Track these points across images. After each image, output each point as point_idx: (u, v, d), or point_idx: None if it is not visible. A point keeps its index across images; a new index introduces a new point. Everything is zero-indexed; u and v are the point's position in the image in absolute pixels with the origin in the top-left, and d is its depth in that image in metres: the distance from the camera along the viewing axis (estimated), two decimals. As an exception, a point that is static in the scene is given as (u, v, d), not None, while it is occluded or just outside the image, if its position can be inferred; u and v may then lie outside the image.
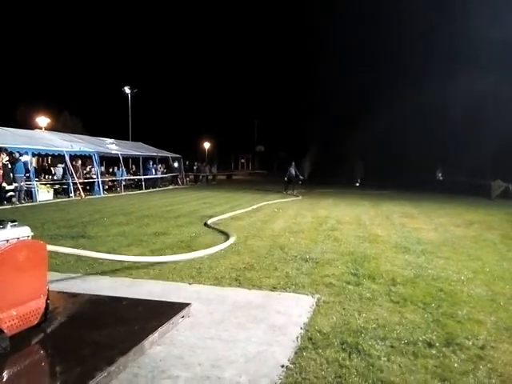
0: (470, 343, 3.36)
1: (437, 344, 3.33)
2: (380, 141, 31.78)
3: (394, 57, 30.79)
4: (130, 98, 36.63)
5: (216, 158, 43.00)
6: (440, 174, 30.77)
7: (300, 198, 18.34)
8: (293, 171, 21.87)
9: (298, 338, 3.44)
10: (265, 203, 15.01)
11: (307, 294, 4.61)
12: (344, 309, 4.16)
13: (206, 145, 47.28)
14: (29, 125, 26.50)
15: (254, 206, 13.76)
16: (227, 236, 7.81)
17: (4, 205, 14.10)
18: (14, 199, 14.53)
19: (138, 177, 24.08)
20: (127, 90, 36.43)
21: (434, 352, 3.19)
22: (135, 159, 25.33)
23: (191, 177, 31.33)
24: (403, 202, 16.52)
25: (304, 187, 23.42)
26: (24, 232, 3.26)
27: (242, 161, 44.63)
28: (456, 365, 2.98)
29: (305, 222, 10.41)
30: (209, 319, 3.83)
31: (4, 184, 14.25)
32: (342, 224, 10.22)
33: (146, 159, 25.30)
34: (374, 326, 3.71)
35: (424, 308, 4.22)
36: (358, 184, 29.45)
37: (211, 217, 10.78)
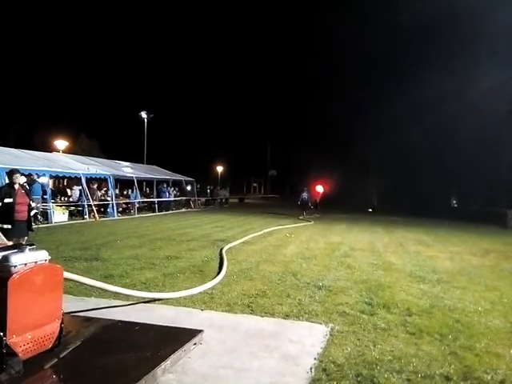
0: (489, 377, 3.26)
1: (455, 378, 3.24)
2: (393, 166, 31.65)
3: (403, 79, 30.82)
4: (146, 122, 37.39)
5: (228, 181, 43.28)
6: (455, 202, 30.41)
7: (312, 222, 18.26)
8: (305, 196, 21.91)
9: (311, 368, 3.38)
10: (277, 228, 14.98)
11: (320, 323, 4.54)
12: (358, 339, 4.08)
13: (219, 168, 47.71)
14: (47, 147, 27.14)
15: (266, 231, 13.74)
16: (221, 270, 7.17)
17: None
18: (39, 216, 14.58)
19: (152, 199, 24.31)
20: (143, 114, 37.22)
21: (453, 387, 3.10)
22: (149, 182, 25.63)
23: (203, 200, 31.49)
24: (417, 229, 16.31)
25: (316, 212, 23.31)
26: (42, 256, 3.31)
27: (255, 185, 44.83)
28: (475, 401, 2.89)
29: (317, 248, 10.33)
30: (221, 347, 3.79)
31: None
32: (356, 251, 10.12)
33: (160, 182, 25.58)
34: (389, 357, 3.63)
35: (441, 340, 4.12)
36: (370, 210, 29.24)
37: (223, 240, 10.79)
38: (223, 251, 8.89)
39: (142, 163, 32.06)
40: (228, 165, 49.02)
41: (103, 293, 5.46)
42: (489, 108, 24.15)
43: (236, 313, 4.86)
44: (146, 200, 24.22)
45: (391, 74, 32.86)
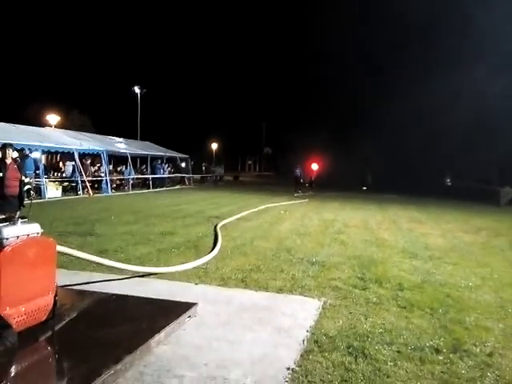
0: (478, 350, 3.33)
1: (444, 350, 3.30)
2: (388, 145, 31.59)
3: (399, 62, 30.58)
4: (139, 97, 36.82)
5: (223, 158, 43.06)
6: (449, 180, 30.56)
7: (307, 200, 18.32)
8: (298, 172, 21.93)
9: (304, 340, 3.43)
10: (271, 205, 15.00)
11: (313, 297, 4.60)
12: (350, 313, 4.14)
13: (214, 146, 47.38)
14: (39, 122, 26.68)
15: (261, 208, 13.76)
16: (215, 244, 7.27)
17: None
18: (32, 192, 14.49)
19: (146, 176, 24.18)
20: (137, 89, 36.61)
21: (441, 358, 3.16)
22: (143, 158, 25.47)
23: (197, 177, 31.41)
24: (411, 207, 16.43)
25: (311, 190, 23.37)
26: (34, 229, 3.28)
27: (250, 162, 44.61)
28: (463, 371, 2.95)
29: (311, 225, 10.39)
30: (215, 320, 3.83)
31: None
32: (349, 227, 10.19)
33: (154, 158, 25.40)
34: (380, 330, 3.69)
35: (431, 314, 4.19)
36: (364, 188, 29.34)
37: (218, 217, 10.80)
38: (218, 227, 8.91)
39: (136, 139, 31.76)
40: (223, 142, 48.68)
41: (98, 267, 5.47)
42: (484, 85, 24.00)
43: (230, 287, 4.90)
44: (140, 176, 24.11)
45: (390, 62, 32.41)
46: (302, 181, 22.35)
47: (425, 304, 4.45)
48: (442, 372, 2.95)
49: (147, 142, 29.19)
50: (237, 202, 16.08)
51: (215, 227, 8.96)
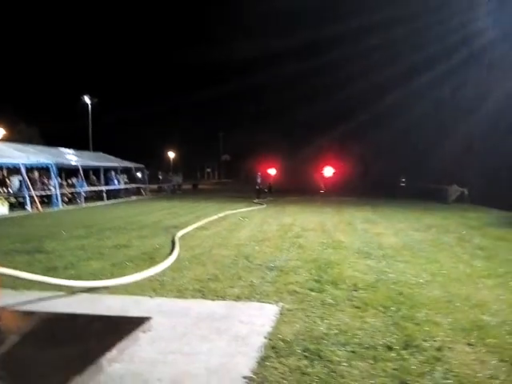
0: (428, 345, 3.45)
1: (396, 347, 3.40)
2: (343, 148, 32.48)
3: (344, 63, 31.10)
4: (90, 107, 35.71)
5: (181, 167, 42.55)
6: (403, 180, 31.79)
7: (265, 206, 18.42)
8: (259, 180, 22.10)
9: (261, 347, 3.42)
10: (230, 212, 14.96)
11: (271, 303, 4.60)
12: (307, 316, 4.18)
13: (171, 154, 46.70)
14: (-18, 136, 25.23)
15: (220, 215, 13.69)
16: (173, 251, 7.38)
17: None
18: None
19: (99, 188, 23.41)
20: (87, 99, 35.50)
21: (393, 355, 3.25)
22: (96, 170, 24.65)
23: (154, 187, 30.82)
24: (366, 208, 16.91)
25: (270, 195, 23.54)
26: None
27: (208, 170, 44.29)
28: (414, 367, 3.05)
29: (270, 230, 10.44)
30: (171, 333, 3.74)
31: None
32: (307, 231, 10.33)
33: (108, 170, 24.67)
34: (335, 331, 3.75)
35: (384, 312, 4.31)
36: (322, 191, 29.95)
37: (176, 227, 10.62)
38: (176, 237, 8.76)
39: (88, 150, 30.73)
40: (180, 151, 48.07)
41: (46, 286, 5.20)
42: (433, 87, 25.11)
43: (187, 298, 4.81)
44: (92, 189, 23.30)
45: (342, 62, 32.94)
46: (260, 187, 22.49)
47: (378, 303, 4.57)
48: (394, 369, 3.03)
49: (100, 153, 28.32)
50: (195, 211, 15.90)
51: (173, 238, 8.81)
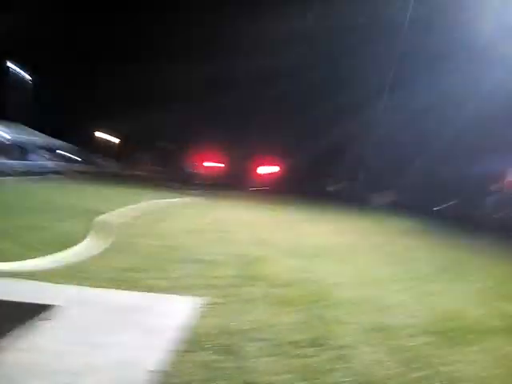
0: (333, 343, 3.64)
1: (304, 345, 3.54)
2: (283, 146, 32.80)
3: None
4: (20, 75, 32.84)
5: (117, 152, 40.50)
6: (333, 184, 33.05)
7: (199, 198, 18.25)
8: (190, 169, 21.77)
9: (173, 341, 3.38)
10: (163, 201, 14.63)
11: (191, 296, 4.57)
12: (225, 311, 4.20)
13: (100, 135, 44.05)
14: None
15: (150, 203, 13.33)
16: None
17: None
18: None
19: (15, 163, 21.54)
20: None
21: (301, 352, 3.38)
22: (15, 145, 22.66)
23: (88, 169, 29.25)
24: (301, 209, 17.41)
25: (208, 188, 23.39)
26: None
27: (142, 156, 42.57)
28: (317, 365, 3.20)
29: (200, 223, 10.37)
30: (80, 323, 3.57)
31: None
32: (238, 226, 10.39)
33: (29, 144, 22.88)
34: (250, 327, 3.82)
35: (300, 310, 4.46)
36: (260, 188, 30.27)
37: (103, 213, 10.15)
38: (97, 223, 8.38)
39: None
40: (120, 135, 45.55)
41: None
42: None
43: (103, 287, 4.62)
44: (5, 162, 21.26)
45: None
46: (192, 176, 22.22)
47: (296, 301, 4.73)
48: (299, 366, 3.15)
49: (20, 125, 25.85)
50: (125, 197, 15.26)
51: (94, 223, 8.41)
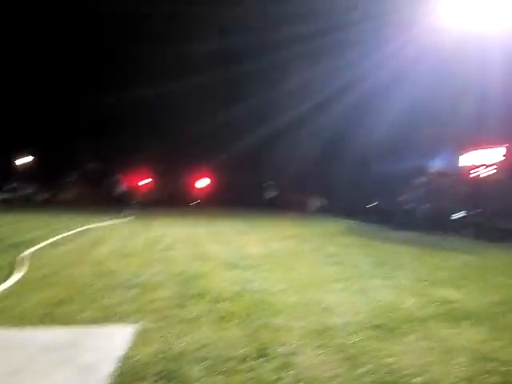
0: (280, 351, 3.61)
1: (252, 356, 3.47)
2: (213, 159, 32.72)
3: None
4: None
5: (38, 175, 37.95)
6: (272, 192, 33.63)
7: (133, 218, 17.59)
8: (121, 188, 20.98)
9: (110, 374, 3.15)
10: (95, 225, 13.89)
11: (129, 324, 4.32)
12: (166, 334, 4.01)
13: (22, 160, 41.19)
14: None
15: (82, 229, 12.59)
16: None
17: None
18: None
19: None
20: None
21: (248, 365, 3.31)
22: None
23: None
24: (236, 219, 17.45)
25: (142, 207, 22.61)
26: None
27: (70, 179, 40.19)
28: (266, 375, 3.14)
29: (137, 244, 9.97)
30: (4, 368, 3.21)
31: None
32: (177, 243, 10.14)
33: None
34: (194, 347, 3.67)
35: (245, 321, 4.39)
36: (197, 201, 29.98)
37: (25, 243, 9.37)
38: (22, 256, 7.71)
39: None
40: (38, 158, 42.78)
41: None
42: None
43: (29, 326, 4.21)
44: None
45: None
46: (121, 195, 21.35)
47: (240, 313, 4.65)
48: (247, 379, 3.07)
49: None
50: (52, 224, 14.31)
51: (18, 256, 7.73)
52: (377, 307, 5.02)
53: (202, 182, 33.51)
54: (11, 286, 5.71)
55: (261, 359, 3.42)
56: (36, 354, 3.51)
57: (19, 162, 37.21)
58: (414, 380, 3.17)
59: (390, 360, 3.49)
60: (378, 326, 4.31)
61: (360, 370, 3.28)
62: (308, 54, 25.20)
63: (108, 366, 3.31)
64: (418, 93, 18.08)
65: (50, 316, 4.53)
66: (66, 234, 11.22)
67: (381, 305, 5.11)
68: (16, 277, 6.21)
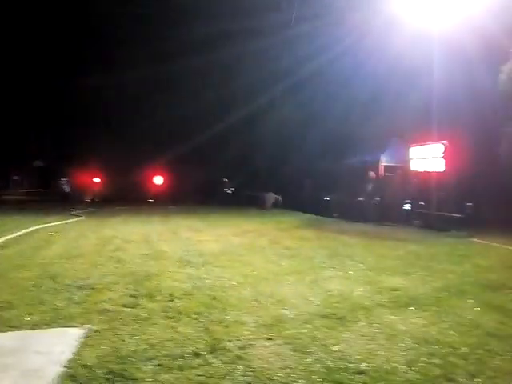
0: (232, 345, 3.64)
1: (203, 352, 3.47)
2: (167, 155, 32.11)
3: None
4: None
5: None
6: (229, 188, 33.52)
7: (83, 217, 16.93)
8: (67, 186, 20.13)
9: (56, 378, 3.03)
10: (41, 226, 13.22)
11: (76, 327, 4.17)
12: (116, 335, 3.92)
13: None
14: None
15: (26, 231, 11.94)
16: None
17: None
18: None
19: None
20: None
21: (200, 361, 3.31)
22: None
23: None
24: (191, 216, 17.23)
25: (93, 205, 21.80)
26: None
27: (15, 178, 37.87)
28: (217, 370, 3.15)
29: (86, 245, 9.60)
30: None
31: None
32: (129, 243, 9.88)
33: None
34: (144, 347, 3.62)
35: (196, 318, 4.38)
36: (151, 200, 29.31)
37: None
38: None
39: None
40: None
41: None
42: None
43: (-34, 334, 3.96)
44: None
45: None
46: (76, 197, 20.53)
47: (192, 310, 4.63)
48: (198, 375, 3.07)
49: None
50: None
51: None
52: (328, 297, 5.18)
53: (156, 179, 32.79)
54: None
55: (213, 354, 3.44)
56: (-27, 363, 3.31)
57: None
58: (360, 366, 3.30)
59: (338, 348, 3.61)
60: (328, 315, 4.46)
61: (309, 359, 3.37)
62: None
63: (53, 369, 3.19)
64: (368, 87, 18.71)
65: (-8, 321, 4.28)
66: (9, 237, 10.60)
67: (331, 295, 5.28)
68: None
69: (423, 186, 15.04)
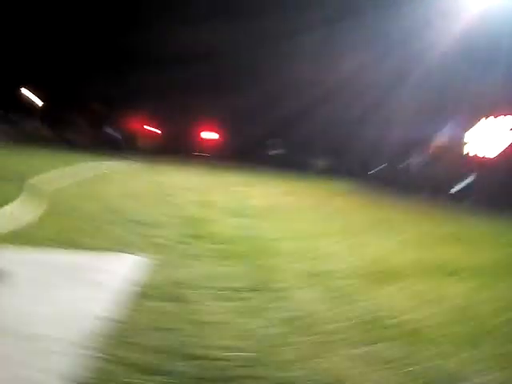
0: (271, 288, 3.98)
1: (244, 290, 3.84)
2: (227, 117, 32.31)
3: None
4: None
5: (43, 110, 37.25)
6: (277, 151, 33.47)
7: (139, 163, 17.77)
8: (113, 132, 20.71)
9: (123, 293, 3.51)
10: (101, 163, 14.14)
11: (136, 254, 4.68)
12: (170, 266, 4.38)
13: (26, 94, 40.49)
14: None
15: (88, 167, 12.87)
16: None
17: None
18: None
19: None
20: None
21: (241, 296, 3.68)
22: None
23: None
24: (242, 173, 17.63)
25: (147, 154, 22.77)
26: None
27: (78, 119, 39.57)
28: (256, 305, 3.51)
29: (142, 187, 10.29)
30: (23, 281, 3.59)
31: None
32: (182, 190, 10.43)
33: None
34: (194, 278, 4.05)
35: (243, 261, 4.77)
36: (201, 154, 30.04)
37: (35, 176, 9.66)
38: (32, 185, 8.07)
39: None
40: (46, 96, 41.78)
41: None
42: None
43: (47, 248, 4.59)
44: None
45: None
46: (134, 143, 21.36)
47: (237, 254, 5.02)
48: (240, 307, 3.45)
49: None
50: (61, 162, 14.55)
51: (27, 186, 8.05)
52: (364, 260, 5.37)
53: (209, 134, 33.30)
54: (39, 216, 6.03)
55: (254, 292, 3.80)
56: (53, 271, 3.90)
57: (25, 93, 36.40)
58: (389, 321, 3.53)
59: (367, 303, 3.83)
60: (362, 275, 4.66)
61: (338, 310, 3.63)
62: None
63: (121, 286, 3.67)
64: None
65: (65, 241, 4.84)
66: (74, 171, 11.47)
67: (368, 259, 5.45)
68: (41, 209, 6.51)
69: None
